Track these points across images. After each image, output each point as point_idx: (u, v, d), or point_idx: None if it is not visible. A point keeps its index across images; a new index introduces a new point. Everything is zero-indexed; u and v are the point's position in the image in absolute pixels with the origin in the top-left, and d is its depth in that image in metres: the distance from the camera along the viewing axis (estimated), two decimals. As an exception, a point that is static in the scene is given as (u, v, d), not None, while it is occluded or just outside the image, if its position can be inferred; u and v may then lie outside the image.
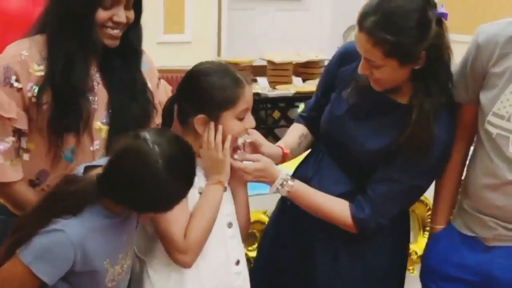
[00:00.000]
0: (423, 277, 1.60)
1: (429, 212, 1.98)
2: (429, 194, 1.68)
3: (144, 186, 1.01)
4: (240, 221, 1.44)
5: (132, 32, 1.38)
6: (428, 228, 1.91)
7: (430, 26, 1.23)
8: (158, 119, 1.43)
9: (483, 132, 1.39)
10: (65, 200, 1.07)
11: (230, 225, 1.41)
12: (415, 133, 1.30)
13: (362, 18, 1.23)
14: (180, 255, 1.18)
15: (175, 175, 1.02)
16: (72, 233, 1.05)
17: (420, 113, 1.29)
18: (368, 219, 1.36)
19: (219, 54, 4.30)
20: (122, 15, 1.29)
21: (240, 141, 1.32)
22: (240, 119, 1.29)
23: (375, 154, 1.38)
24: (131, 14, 1.32)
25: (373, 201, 1.39)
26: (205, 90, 1.26)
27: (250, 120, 1.32)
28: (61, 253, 1.07)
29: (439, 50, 1.28)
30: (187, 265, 1.20)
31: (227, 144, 1.24)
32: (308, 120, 1.56)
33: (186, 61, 1.84)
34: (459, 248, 1.52)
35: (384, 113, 1.40)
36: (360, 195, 1.40)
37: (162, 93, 1.50)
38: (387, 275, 1.55)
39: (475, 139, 1.47)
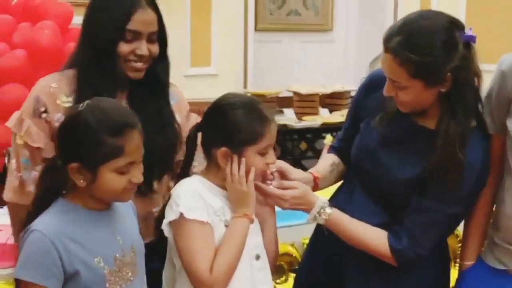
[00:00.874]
0: None
1: (460, 244, 1.89)
2: (459, 225, 1.62)
3: (76, 138, 1.10)
4: (268, 253, 1.42)
5: (159, 65, 1.43)
6: (458, 260, 1.77)
7: (456, 48, 1.22)
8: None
9: None
10: (37, 194, 1.12)
11: (257, 257, 1.39)
12: (443, 159, 1.28)
13: (387, 39, 1.24)
14: None
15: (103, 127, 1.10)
16: (44, 228, 1.07)
17: (446, 138, 1.28)
18: (406, 249, 1.34)
19: (245, 86, 4.41)
20: (144, 48, 1.35)
21: (268, 171, 1.34)
22: (263, 154, 1.29)
23: (407, 184, 1.35)
24: (155, 48, 1.38)
25: (410, 231, 1.37)
26: (231, 124, 1.27)
27: (271, 156, 1.32)
28: (42, 249, 1.08)
29: (466, 73, 1.27)
30: None
31: (251, 176, 1.24)
32: (339, 150, 1.56)
33: (212, 93, 1.74)
34: (490, 282, 1.49)
35: (414, 140, 1.39)
36: (397, 225, 1.38)
37: (192, 126, 1.52)
38: None
39: (504, 169, 1.43)
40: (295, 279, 1.72)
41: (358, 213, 1.42)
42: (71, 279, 1.11)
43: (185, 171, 1.36)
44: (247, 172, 1.27)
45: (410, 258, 1.36)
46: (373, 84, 1.51)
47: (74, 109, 1.20)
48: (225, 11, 4.33)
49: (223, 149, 1.23)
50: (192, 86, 3.30)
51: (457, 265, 1.78)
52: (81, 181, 1.10)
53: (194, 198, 1.26)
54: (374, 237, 1.41)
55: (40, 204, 1.13)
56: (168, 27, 1.47)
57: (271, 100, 3.89)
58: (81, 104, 1.17)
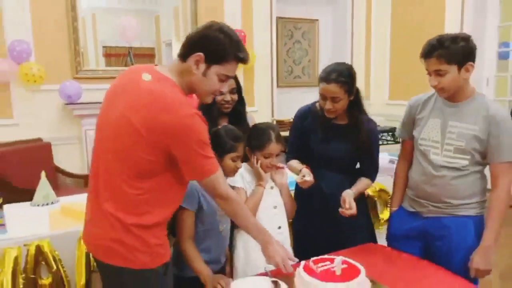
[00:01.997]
0: (388, 239, 2.12)
1: (390, 197, 2.56)
2: (389, 186, 2.33)
3: None
4: (287, 206, 2.05)
5: (239, 104, 2.22)
6: (389, 206, 2.46)
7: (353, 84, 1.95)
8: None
9: (417, 150, 1.98)
10: None
11: (275, 207, 2.00)
12: (363, 134, 2.03)
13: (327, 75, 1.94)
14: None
15: None
16: (192, 183, 1.68)
17: (358, 125, 2.03)
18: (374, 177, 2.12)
19: (272, 116, 5.62)
20: (228, 97, 2.11)
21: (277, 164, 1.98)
22: (266, 157, 1.93)
23: (348, 156, 2.08)
24: (235, 96, 2.15)
25: (371, 169, 2.12)
26: (250, 138, 1.92)
27: (273, 160, 1.93)
28: (191, 191, 1.67)
29: (359, 92, 2.01)
30: None
31: (263, 164, 1.91)
32: (295, 157, 2.16)
33: (257, 121, 2.31)
34: (406, 219, 2.04)
35: (338, 133, 2.06)
36: (363, 173, 2.13)
37: None
38: (368, 226, 2.26)
39: (413, 157, 2.04)
40: (293, 228, 2.20)
41: (329, 181, 2.09)
42: (199, 209, 1.76)
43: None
44: (263, 166, 1.93)
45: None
46: (302, 115, 2.19)
47: (214, 129, 1.82)
48: (261, 75, 5.57)
49: (248, 149, 1.93)
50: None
51: (388, 209, 2.60)
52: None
53: (236, 175, 1.90)
54: (365, 183, 2.12)
55: None
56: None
57: (286, 123, 4.86)
58: (218, 127, 1.87)
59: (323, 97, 1.98)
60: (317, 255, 1.69)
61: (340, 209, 1.93)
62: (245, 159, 1.97)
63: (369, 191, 2.77)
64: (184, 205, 1.70)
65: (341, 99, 1.95)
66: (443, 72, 1.80)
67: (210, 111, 2.04)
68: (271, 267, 1.75)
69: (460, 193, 1.91)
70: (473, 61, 1.83)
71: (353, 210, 1.92)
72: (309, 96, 3.96)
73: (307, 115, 2.16)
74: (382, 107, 5.94)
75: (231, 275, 1.95)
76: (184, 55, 1.52)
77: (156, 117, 1.39)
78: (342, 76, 1.94)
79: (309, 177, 1.92)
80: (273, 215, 1.95)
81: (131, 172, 1.44)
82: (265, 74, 5.61)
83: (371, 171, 2.17)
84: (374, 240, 2.22)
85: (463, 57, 1.79)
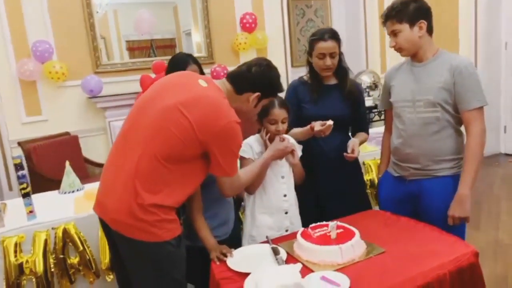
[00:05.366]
0: (379, 204, 2.24)
1: (378, 164, 2.56)
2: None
3: None
4: (296, 175, 2.14)
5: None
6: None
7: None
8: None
9: (394, 115, 2.10)
10: None
11: (282, 177, 2.08)
12: (351, 87, 2.25)
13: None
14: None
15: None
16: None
17: (348, 84, 2.25)
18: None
19: None
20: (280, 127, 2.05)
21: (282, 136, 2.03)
22: (272, 123, 2.00)
23: (343, 111, 2.25)
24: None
25: (366, 124, 2.42)
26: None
27: (278, 126, 2.00)
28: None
29: (342, 57, 2.24)
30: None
31: (270, 131, 2.01)
32: (295, 126, 2.24)
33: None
34: (392, 184, 2.14)
35: (329, 93, 2.27)
36: (360, 127, 2.35)
37: None
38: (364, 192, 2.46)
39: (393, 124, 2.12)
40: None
41: (330, 144, 2.24)
42: (206, 178, 1.77)
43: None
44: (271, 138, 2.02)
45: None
46: (294, 87, 2.36)
47: None
48: (275, 56, 5.47)
49: (258, 120, 2.04)
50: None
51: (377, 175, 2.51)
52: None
53: (245, 145, 2.03)
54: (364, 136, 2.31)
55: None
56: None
57: None
58: None
59: (322, 55, 2.18)
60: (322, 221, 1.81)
61: (344, 153, 2.14)
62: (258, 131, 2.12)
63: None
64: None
65: (337, 54, 2.19)
66: (397, 31, 1.94)
67: None
68: (274, 235, 1.86)
69: (437, 151, 1.95)
70: (426, 19, 1.94)
71: (355, 154, 2.15)
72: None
73: (298, 86, 2.33)
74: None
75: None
76: (240, 90, 1.76)
77: (212, 120, 1.59)
78: (335, 33, 2.21)
79: (329, 121, 2.07)
80: (280, 185, 2.05)
81: (165, 151, 1.58)
82: (278, 55, 5.65)
83: (364, 125, 2.40)
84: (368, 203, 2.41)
85: (413, 15, 1.91)
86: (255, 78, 1.75)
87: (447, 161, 1.97)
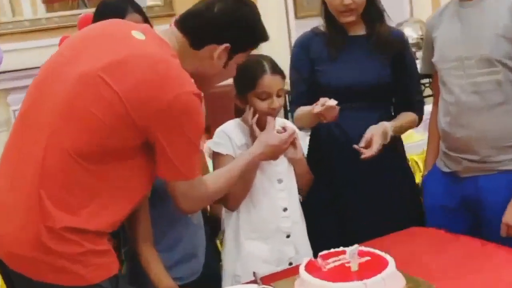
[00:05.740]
0: (425, 215, 2.29)
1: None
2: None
3: None
4: (300, 179, 2.15)
5: None
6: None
7: None
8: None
9: (440, 83, 2.13)
10: None
11: (279, 181, 2.05)
12: (390, 43, 2.20)
13: None
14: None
15: None
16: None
17: (383, 31, 2.21)
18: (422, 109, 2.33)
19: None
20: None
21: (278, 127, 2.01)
22: (262, 99, 1.97)
23: (378, 78, 2.25)
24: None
25: (418, 99, 2.35)
26: (240, 77, 1.97)
27: (272, 102, 1.99)
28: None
29: None
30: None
31: (260, 110, 2.00)
32: (306, 103, 2.19)
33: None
34: (442, 183, 2.17)
35: (358, 48, 2.28)
36: (407, 106, 2.33)
37: None
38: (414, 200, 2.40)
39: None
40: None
41: (355, 125, 2.18)
42: (154, 190, 1.81)
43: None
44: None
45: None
46: (304, 45, 2.33)
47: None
48: (272, 3, 5.61)
49: (239, 98, 2.06)
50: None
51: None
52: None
53: (220, 135, 2.06)
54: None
55: None
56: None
57: None
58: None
59: None
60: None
61: (354, 146, 2.01)
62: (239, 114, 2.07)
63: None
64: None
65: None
66: None
67: None
68: (263, 272, 1.80)
69: (498, 134, 1.93)
70: None
71: (371, 151, 2.00)
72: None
73: (311, 40, 2.28)
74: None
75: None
76: (198, 42, 1.66)
77: (153, 91, 1.50)
78: None
79: (330, 101, 1.98)
80: (276, 192, 2.01)
81: (82, 144, 1.51)
82: (277, 2, 5.72)
83: (412, 98, 2.26)
84: (421, 219, 2.28)
85: None
86: (219, 21, 1.65)
87: None
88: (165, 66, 1.54)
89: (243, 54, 1.71)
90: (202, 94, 1.59)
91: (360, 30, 2.23)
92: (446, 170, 2.09)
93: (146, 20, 2.35)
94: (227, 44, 1.63)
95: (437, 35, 2.06)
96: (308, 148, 2.37)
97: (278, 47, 5.41)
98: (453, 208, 2.07)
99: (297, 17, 6.02)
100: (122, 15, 2.20)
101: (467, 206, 2.03)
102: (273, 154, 1.92)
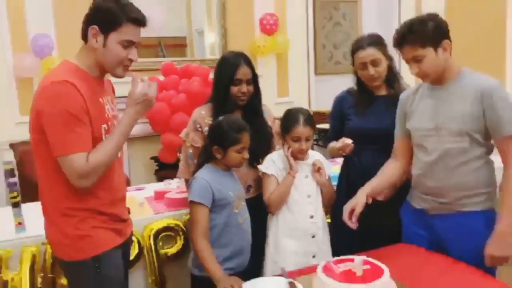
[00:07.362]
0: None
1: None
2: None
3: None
4: (325, 196, 2.16)
5: (255, 97, 2.24)
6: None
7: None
8: (276, 142, 2.28)
9: (414, 145, 2.03)
10: (198, 163, 1.90)
11: (309, 196, 2.11)
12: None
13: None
14: None
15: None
16: (203, 176, 1.83)
17: (396, 94, 2.17)
18: None
19: (309, 106, 5.69)
20: (244, 88, 2.15)
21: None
22: (294, 141, 2.07)
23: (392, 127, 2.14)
24: (251, 87, 2.18)
25: None
26: (282, 121, 2.11)
27: (301, 144, 2.05)
28: (203, 185, 1.80)
29: (392, 61, 2.25)
30: None
31: (293, 149, 2.05)
32: (336, 139, 2.25)
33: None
34: (413, 216, 2.07)
35: (378, 104, 2.27)
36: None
37: (275, 125, 2.24)
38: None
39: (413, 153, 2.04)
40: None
41: (368, 159, 2.23)
42: (215, 202, 1.82)
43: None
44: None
45: None
46: (340, 100, 2.42)
47: (216, 120, 1.92)
48: (296, 62, 5.66)
49: (280, 135, 2.14)
50: (279, 109, 4.23)
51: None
52: (219, 155, 1.82)
53: (268, 161, 2.11)
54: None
55: (199, 168, 1.87)
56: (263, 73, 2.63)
57: (327, 114, 4.83)
58: (219, 118, 1.91)
59: (363, 66, 2.19)
60: (353, 251, 1.81)
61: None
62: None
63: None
64: (198, 200, 1.80)
65: (381, 60, 2.20)
66: (420, 57, 1.82)
67: (224, 104, 2.14)
68: (299, 262, 1.90)
69: (464, 184, 1.87)
70: (448, 38, 1.85)
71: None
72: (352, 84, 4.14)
73: (345, 99, 2.38)
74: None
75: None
76: (84, 35, 1.65)
77: (39, 91, 1.56)
78: (374, 39, 2.21)
79: (347, 140, 2.10)
80: (306, 204, 2.08)
81: (39, 160, 1.64)
82: (301, 61, 5.69)
83: None
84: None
85: (436, 36, 1.81)
86: (88, 12, 1.64)
87: (478, 193, 1.89)
88: (48, 74, 1.64)
89: (116, 33, 1.61)
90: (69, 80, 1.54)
91: (383, 91, 2.31)
92: (418, 207, 2.04)
93: (253, 70, 2.25)
94: (95, 26, 1.60)
95: (413, 109, 2.01)
96: (340, 173, 2.48)
97: (301, 95, 5.67)
98: (423, 236, 2.03)
99: (316, 73, 6.07)
100: (234, 68, 2.15)
101: (434, 235, 1.99)
102: (144, 104, 1.64)
